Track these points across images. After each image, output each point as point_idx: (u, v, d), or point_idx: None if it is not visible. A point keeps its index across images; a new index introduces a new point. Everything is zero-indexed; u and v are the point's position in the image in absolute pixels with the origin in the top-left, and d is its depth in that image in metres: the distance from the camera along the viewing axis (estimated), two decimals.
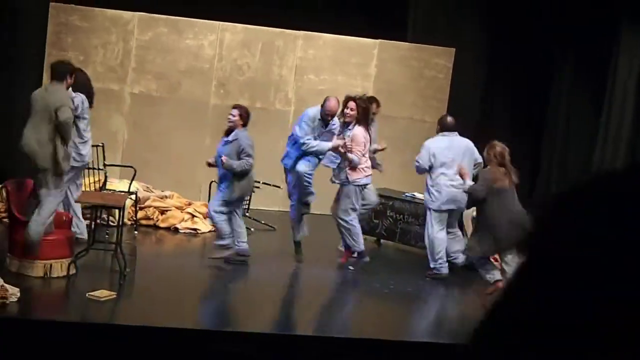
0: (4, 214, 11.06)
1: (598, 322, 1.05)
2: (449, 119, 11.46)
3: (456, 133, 11.30)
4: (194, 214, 12.73)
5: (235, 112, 10.70)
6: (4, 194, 9.82)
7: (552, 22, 14.35)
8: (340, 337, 8.66)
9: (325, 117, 10.80)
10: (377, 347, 8.40)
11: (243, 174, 10.44)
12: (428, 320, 9.80)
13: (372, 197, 11.60)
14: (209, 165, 10.85)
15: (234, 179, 10.44)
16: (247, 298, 9.70)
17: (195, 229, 12.49)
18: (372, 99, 11.80)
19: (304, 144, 10.62)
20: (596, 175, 1.19)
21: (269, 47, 14.70)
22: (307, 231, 11.28)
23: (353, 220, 10.87)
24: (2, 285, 7.98)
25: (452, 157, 10.92)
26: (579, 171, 13.81)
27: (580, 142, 13.91)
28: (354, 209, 10.89)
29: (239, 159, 10.44)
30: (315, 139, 10.72)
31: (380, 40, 14.93)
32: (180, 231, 12.34)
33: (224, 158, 10.31)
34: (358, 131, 10.75)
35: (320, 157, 10.96)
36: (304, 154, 10.85)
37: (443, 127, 11.31)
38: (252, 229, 12.73)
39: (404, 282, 10.72)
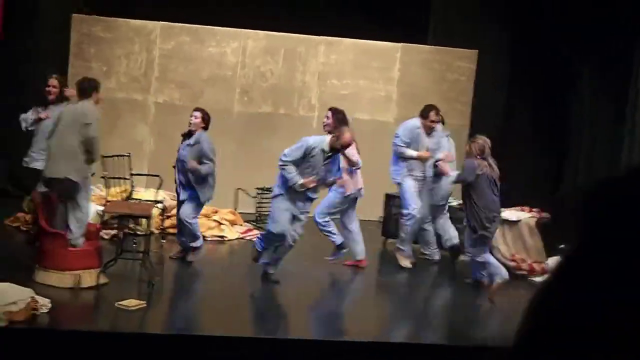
0: (29, 226, 11.08)
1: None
2: None
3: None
4: (221, 221, 12.73)
5: (198, 114, 10.76)
6: (32, 205, 9.84)
7: (574, 22, 14.26)
8: (375, 342, 8.64)
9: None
10: (406, 351, 8.39)
11: (207, 177, 10.55)
12: (456, 323, 9.74)
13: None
14: (174, 167, 10.83)
15: (202, 182, 10.46)
16: (274, 303, 9.68)
17: (222, 236, 12.49)
18: (431, 107, 11.74)
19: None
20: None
21: (291, 53, 14.71)
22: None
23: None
24: (33, 297, 8.00)
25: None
26: (604, 172, 13.71)
27: (604, 144, 13.81)
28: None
29: (200, 162, 10.46)
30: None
31: (402, 43, 14.91)
32: (207, 239, 12.34)
33: (191, 163, 10.36)
34: None
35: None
36: None
37: None
38: None
39: (432, 286, 10.68)
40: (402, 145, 11.34)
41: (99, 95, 9.84)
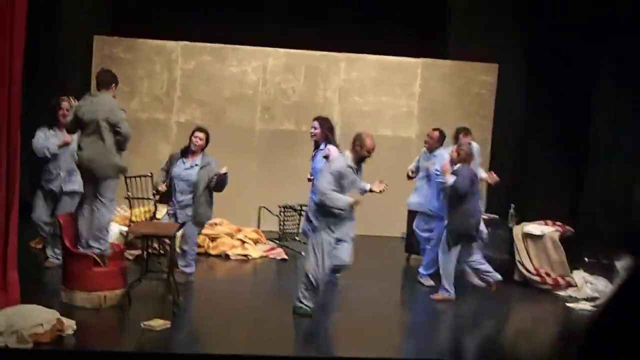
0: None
1: None
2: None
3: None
4: (244, 240, 12.74)
5: (202, 135, 10.73)
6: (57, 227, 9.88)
7: (594, 34, 14.21)
8: (393, 359, 8.61)
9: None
10: None
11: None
12: (482, 337, 9.70)
13: None
14: (157, 192, 10.86)
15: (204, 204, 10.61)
16: (299, 322, 9.66)
17: (246, 255, 12.50)
18: (461, 130, 11.78)
19: None
20: None
21: (312, 70, 14.75)
22: None
23: None
24: (59, 318, 8.03)
25: None
26: (623, 188, 13.63)
27: (626, 155, 13.74)
28: None
29: (209, 183, 10.51)
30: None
31: (422, 59, 14.91)
32: (231, 258, 12.35)
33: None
34: (333, 149, 10.70)
35: None
36: None
37: None
38: (302, 253, 12.73)
39: (458, 299, 10.65)
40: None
41: (115, 91, 9.87)
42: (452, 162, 10.53)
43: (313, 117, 14.15)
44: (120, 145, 9.49)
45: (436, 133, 11.95)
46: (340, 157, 9.75)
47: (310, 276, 9.40)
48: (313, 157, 10.99)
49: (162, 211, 12.41)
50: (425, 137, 12.13)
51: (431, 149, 11.86)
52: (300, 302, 9.50)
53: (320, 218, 9.45)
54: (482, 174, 11.53)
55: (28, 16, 8.54)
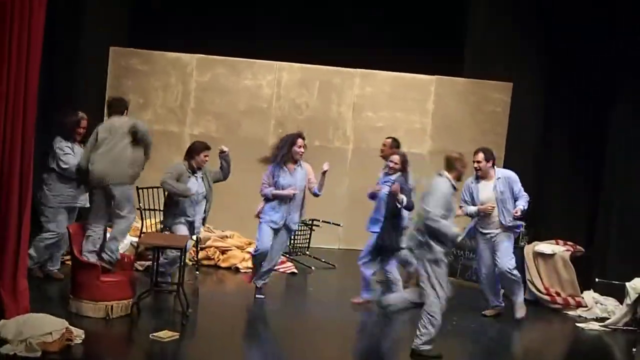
0: (66, 257, 11.17)
1: None
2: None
3: None
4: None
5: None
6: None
7: (612, 54, 14.20)
8: None
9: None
10: None
11: None
12: (492, 356, 9.68)
13: None
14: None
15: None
16: (309, 337, 9.66)
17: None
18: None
19: None
20: None
21: (326, 85, 14.77)
22: None
23: None
24: (67, 328, 8.06)
25: None
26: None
27: None
28: None
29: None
30: None
31: (437, 76, 14.92)
32: (242, 271, 12.36)
33: None
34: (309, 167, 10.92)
35: None
36: None
37: None
38: (312, 268, 12.75)
39: (467, 318, 10.63)
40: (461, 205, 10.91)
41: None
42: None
43: (327, 131, 14.24)
44: (145, 143, 9.73)
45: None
46: (441, 178, 9.04)
47: (435, 315, 8.81)
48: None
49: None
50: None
51: None
52: (425, 344, 8.89)
53: (435, 245, 8.75)
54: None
55: (46, 26, 8.61)
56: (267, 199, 10.72)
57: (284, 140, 10.92)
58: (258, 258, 10.69)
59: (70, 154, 10.56)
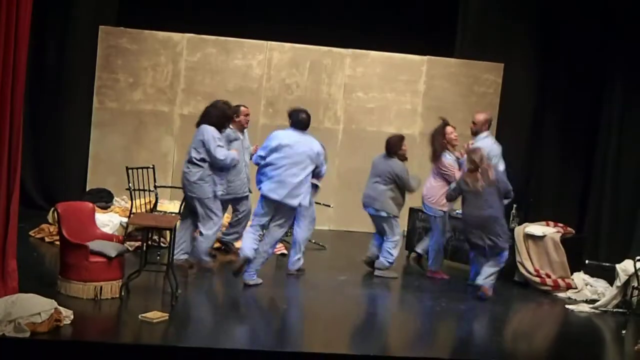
0: (56, 237, 11.13)
1: None
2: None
3: None
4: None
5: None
6: (55, 216, 9.87)
7: (605, 35, 14.19)
8: (393, 357, 8.60)
9: None
10: None
11: None
12: (481, 338, 9.69)
13: None
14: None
15: None
16: (299, 318, 9.66)
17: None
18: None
19: None
20: None
21: (317, 65, 14.72)
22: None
23: None
24: (56, 308, 8.03)
25: None
26: (631, 191, 13.63)
27: (633, 158, 13.71)
28: None
29: None
30: None
31: (428, 56, 14.88)
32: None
33: None
34: None
35: None
36: None
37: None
38: (325, 246, 12.77)
39: (456, 299, 10.64)
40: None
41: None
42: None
43: (317, 111, 14.19)
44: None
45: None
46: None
47: None
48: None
49: (162, 203, 12.43)
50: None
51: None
52: None
53: None
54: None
55: (34, 4, 8.55)
56: None
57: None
58: None
59: (222, 145, 10.71)
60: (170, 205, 12.52)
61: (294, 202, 10.23)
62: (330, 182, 14.13)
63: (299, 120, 10.61)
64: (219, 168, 10.63)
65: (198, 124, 10.81)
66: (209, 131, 10.54)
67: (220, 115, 10.74)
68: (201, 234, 10.74)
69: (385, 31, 15.04)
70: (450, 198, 11.25)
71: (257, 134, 14.32)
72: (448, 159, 11.47)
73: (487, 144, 11.73)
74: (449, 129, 11.61)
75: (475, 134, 12.01)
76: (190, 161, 10.60)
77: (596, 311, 10.67)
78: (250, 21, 14.77)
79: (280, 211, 10.32)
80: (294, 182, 10.19)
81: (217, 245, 12.05)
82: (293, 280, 11.01)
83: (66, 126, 14.29)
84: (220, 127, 10.73)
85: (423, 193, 11.72)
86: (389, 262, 11.54)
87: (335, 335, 9.19)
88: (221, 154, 10.51)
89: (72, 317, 8.20)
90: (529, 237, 11.75)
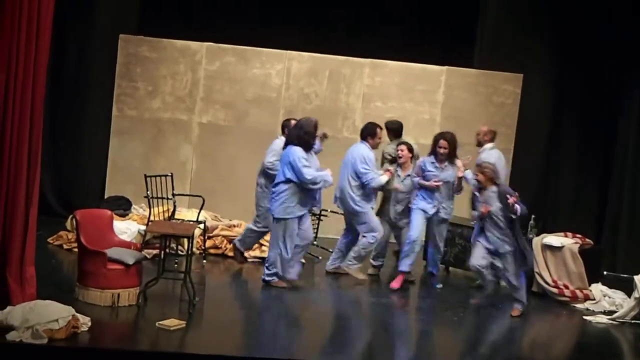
0: (74, 244, 11.16)
1: None
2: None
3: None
4: (262, 242, 12.71)
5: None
6: (74, 223, 9.91)
7: (622, 47, 14.14)
8: None
9: None
10: None
11: None
12: (498, 348, 9.66)
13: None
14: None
15: None
16: (316, 327, 9.65)
17: (263, 258, 12.44)
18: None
19: None
20: None
21: (335, 75, 14.72)
22: None
23: None
24: (74, 315, 8.05)
25: None
26: None
27: None
28: None
29: None
30: None
31: (447, 67, 14.87)
32: (249, 260, 12.33)
33: None
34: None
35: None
36: None
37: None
38: (319, 257, 12.73)
39: (473, 311, 10.62)
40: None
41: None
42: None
43: (336, 121, 14.23)
44: None
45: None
46: None
47: None
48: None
49: (180, 211, 12.45)
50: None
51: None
52: None
53: None
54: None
55: (55, 13, 8.59)
56: None
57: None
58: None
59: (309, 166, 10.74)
60: (188, 213, 12.53)
61: None
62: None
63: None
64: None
65: None
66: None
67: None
68: None
69: (404, 41, 15.04)
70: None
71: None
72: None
73: (494, 156, 11.82)
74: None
75: (479, 144, 12.09)
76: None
77: (614, 322, 10.63)
78: (269, 30, 14.78)
79: None
80: None
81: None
82: (309, 288, 11.01)
83: (85, 133, 14.34)
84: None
85: None
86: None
87: (351, 345, 9.19)
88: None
89: (89, 324, 8.23)
90: (547, 247, 11.71)
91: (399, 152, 11.76)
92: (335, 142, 14.06)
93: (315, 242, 12.83)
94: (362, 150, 11.60)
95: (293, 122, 11.46)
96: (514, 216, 10.18)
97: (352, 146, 11.93)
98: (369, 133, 11.74)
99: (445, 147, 11.35)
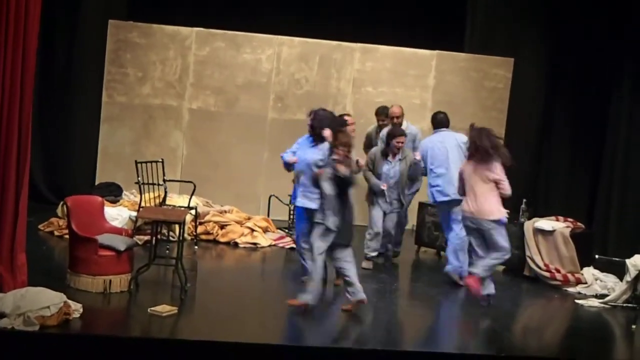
0: (65, 231, 11.13)
1: None
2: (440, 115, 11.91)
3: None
4: (254, 228, 12.71)
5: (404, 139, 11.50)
6: (65, 210, 9.88)
7: (614, 31, 14.14)
8: (398, 351, 8.58)
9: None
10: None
11: None
12: (490, 333, 9.66)
13: None
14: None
15: None
16: (307, 312, 9.64)
17: (255, 244, 12.46)
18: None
19: None
20: None
21: (326, 60, 14.69)
22: None
23: None
24: (66, 302, 8.03)
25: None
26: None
27: None
28: None
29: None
30: None
31: (438, 51, 14.84)
32: (240, 246, 12.32)
33: None
34: None
35: None
36: None
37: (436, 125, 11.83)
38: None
39: (468, 298, 10.62)
40: None
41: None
42: None
43: (326, 106, 14.10)
44: None
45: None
46: None
47: None
48: None
49: (171, 197, 12.42)
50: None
51: None
52: None
53: None
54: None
55: (44, 1, 8.55)
56: None
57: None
58: None
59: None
60: (179, 199, 12.52)
61: None
62: None
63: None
64: None
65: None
66: None
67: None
68: None
69: (395, 26, 15.02)
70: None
71: (266, 129, 14.34)
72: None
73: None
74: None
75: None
76: None
77: (606, 306, 10.64)
78: (259, 15, 14.75)
79: None
80: None
81: None
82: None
83: (75, 120, 14.30)
84: None
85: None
86: None
87: (344, 330, 9.19)
88: None
89: (81, 310, 8.21)
90: (538, 231, 11.72)
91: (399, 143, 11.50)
92: None
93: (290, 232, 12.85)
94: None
95: (347, 117, 11.40)
96: None
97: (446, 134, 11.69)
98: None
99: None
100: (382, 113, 12.54)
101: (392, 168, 11.32)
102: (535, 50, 15.07)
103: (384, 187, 11.26)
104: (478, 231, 10.04)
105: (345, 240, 9.33)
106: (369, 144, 12.54)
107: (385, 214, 11.46)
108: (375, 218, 11.46)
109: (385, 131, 11.80)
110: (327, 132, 9.99)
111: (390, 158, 11.33)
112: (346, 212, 9.26)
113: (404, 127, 12.10)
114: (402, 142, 11.33)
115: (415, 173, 11.53)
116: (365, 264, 11.41)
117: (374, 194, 11.44)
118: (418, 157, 11.45)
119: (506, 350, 8.79)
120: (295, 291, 9.73)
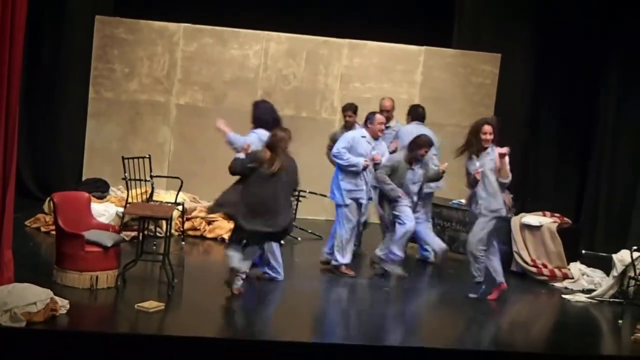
0: (51, 227, 11.11)
1: None
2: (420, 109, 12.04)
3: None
4: None
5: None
6: (51, 206, 9.86)
7: (602, 26, 14.17)
8: (392, 346, 8.59)
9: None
10: (432, 356, 8.34)
11: None
12: (478, 328, 9.67)
13: None
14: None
15: None
16: (294, 308, 9.65)
17: None
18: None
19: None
20: None
21: (314, 56, 14.69)
22: None
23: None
24: (52, 298, 8.01)
25: None
26: (627, 182, 13.64)
27: (629, 149, 13.72)
28: None
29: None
30: None
31: (425, 47, 14.85)
32: (227, 241, 12.30)
33: None
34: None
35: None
36: None
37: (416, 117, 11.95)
38: (299, 238, 12.72)
39: (454, 290, 10.64)
40: None
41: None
42: None
43: (314, 102, 14.15)
44: None
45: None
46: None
47: None
48: None
49: (158, 193, 12.40)
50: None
51: None
52: None
53: None
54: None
55: None
56: None
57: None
58: None
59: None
60: (166, 195, 12.51)
61: None
62: (326, 172, 14.10)
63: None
64: None
65: None
66: None
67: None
68: None
69: (383, 21, 15.01)
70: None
71: None
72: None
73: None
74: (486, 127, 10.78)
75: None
76: None
77: (593, 301, 10.68)
78: (246, 11, 14.73)
79: None
80: None
81: None
82: (289, 269, 11.00)
83: (62, 116, 14.26)
84: None
85: None
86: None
87: (330, 325, 9.20)
88: None
89: (68, 306, 8.19)
90: (525, 227, 11.75)
91: None
92: (313, 122, 14.07)
93: (294, 223, 12.82)
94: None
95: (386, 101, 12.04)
96: None
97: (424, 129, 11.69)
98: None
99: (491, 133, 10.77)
100: (350, 109, 12.17)
101: (415, 174, 10.98)
102: (523, 46, 15.08)
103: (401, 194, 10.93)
104: None
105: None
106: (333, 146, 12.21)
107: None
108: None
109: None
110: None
111: (413, 165, 10.99)
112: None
113: (393, 124, 12.07)
114: (427, 152, 11.07)
115: (438, 178, 11.37)
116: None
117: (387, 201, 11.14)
118: (443, 168, 11.22)
119: (492, 346, 8.81)
120: (282, 284, 9.74)
